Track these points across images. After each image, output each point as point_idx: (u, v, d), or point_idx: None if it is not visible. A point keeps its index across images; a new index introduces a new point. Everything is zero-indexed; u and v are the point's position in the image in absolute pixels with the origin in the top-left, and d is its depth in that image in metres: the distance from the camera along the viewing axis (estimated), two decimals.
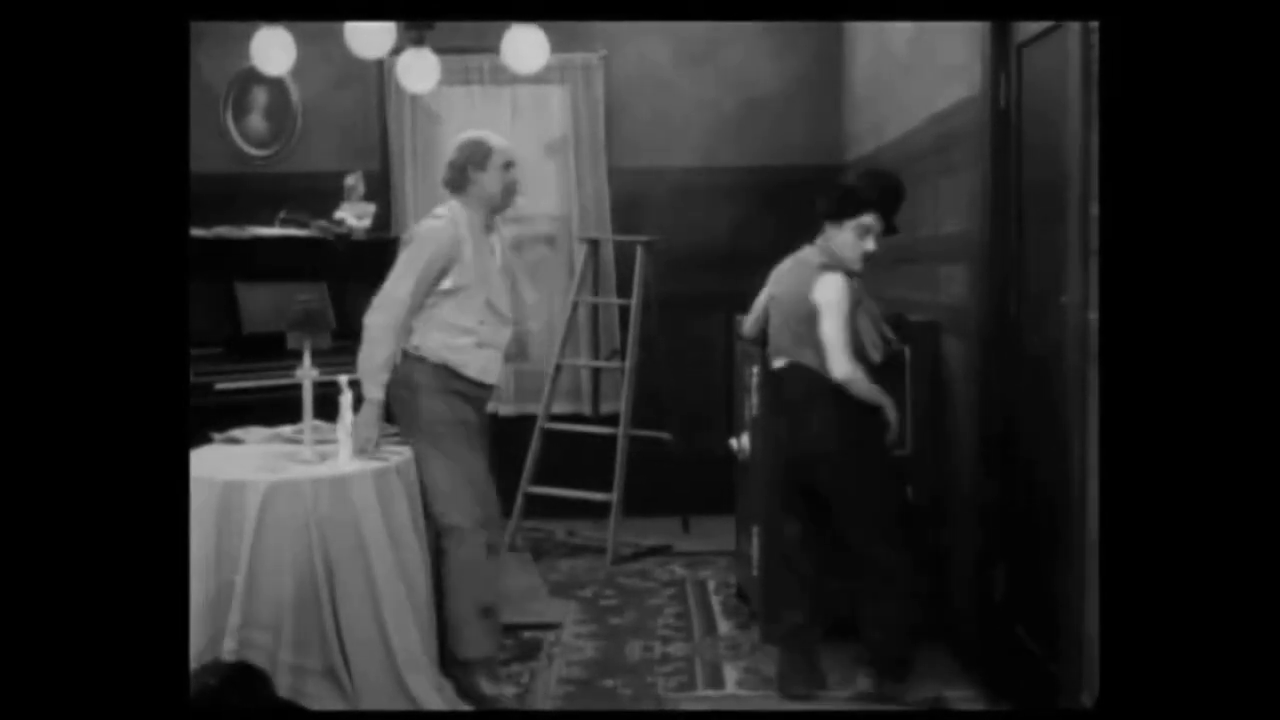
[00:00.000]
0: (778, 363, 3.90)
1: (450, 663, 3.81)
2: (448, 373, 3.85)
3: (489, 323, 3.92)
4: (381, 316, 3.82)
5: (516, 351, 4.23)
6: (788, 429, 3.88)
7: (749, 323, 4.15)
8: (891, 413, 3.79)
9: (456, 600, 3.81)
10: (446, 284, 3.84)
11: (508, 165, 3.98)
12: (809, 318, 3.73)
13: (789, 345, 3.84)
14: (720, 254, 6.19)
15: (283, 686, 3.41)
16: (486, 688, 3.82)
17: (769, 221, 5.86)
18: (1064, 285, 3.10)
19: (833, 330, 3.68)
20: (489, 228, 4.03)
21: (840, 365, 3.67)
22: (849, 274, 3.76)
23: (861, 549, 3.75)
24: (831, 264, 3.77)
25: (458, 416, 3.88)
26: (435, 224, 3.92)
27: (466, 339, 3.89)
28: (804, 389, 3.79)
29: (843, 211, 3.78)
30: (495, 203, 3.99)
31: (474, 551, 3.83)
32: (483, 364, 3.93)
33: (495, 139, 4.01)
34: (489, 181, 3.94)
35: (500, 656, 4.06)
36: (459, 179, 3.97)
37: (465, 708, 3.73)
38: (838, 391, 3.70)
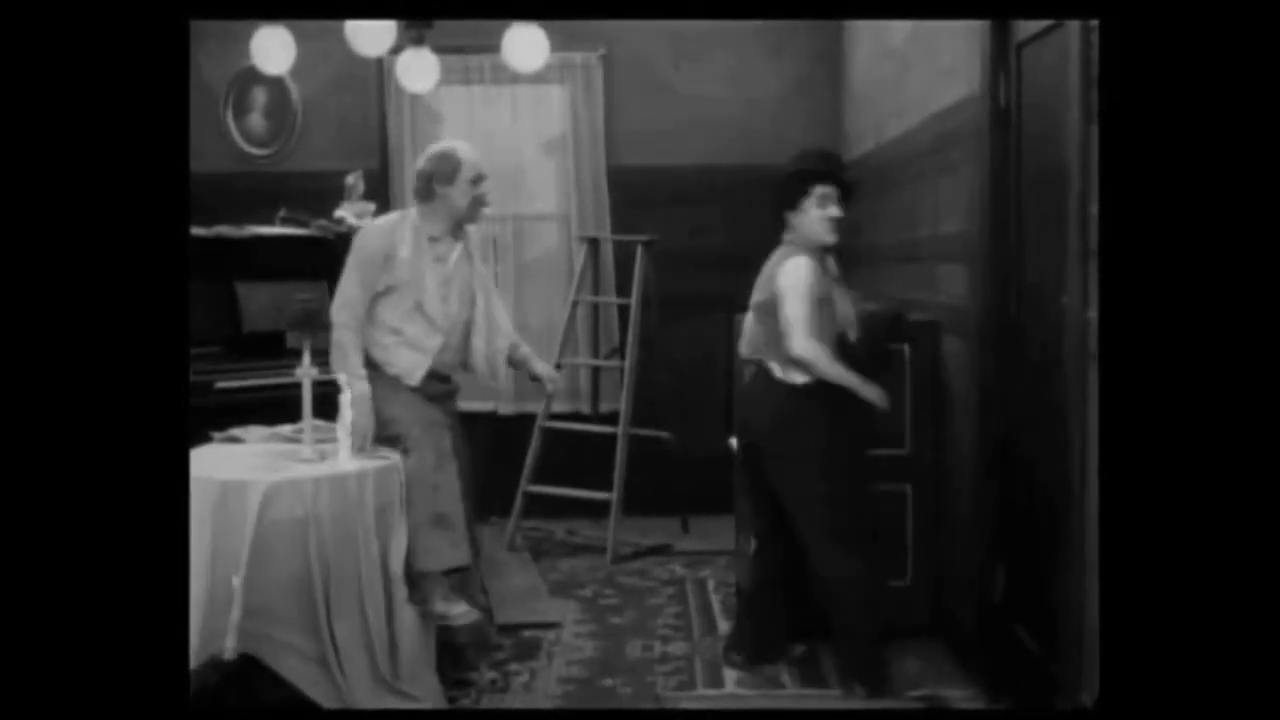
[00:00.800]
0: (749, 362, 3.94)
1: (410, 580, 3.70)
2: (375, 368, 3.90)
3: (416, 325, 3.92)
4: (339, 318, 3.88)
5: (489, 372, 4.13)
6: (743, 423, 3.89)
7: (742, 344, 4.11)
8: (869, 392, 3.73)
9: (410, 510, 3.72)
10: (381, 283, 3.88)
11: (477, 179, 3.96)
12: (773, 307, 3.74)
13: (756, 343, 3.88)
14: (719, 253, 6.18)
15: (282, 667, 3.43)
16: (438, 604, 3.71)
17: (768, 221, 5.81)
18: (1064, 285, 3.10)
19: (793, 309, 3.68)
20: (455, 237, 4.02)
21: (799, 342, 3.65)
22: (824, 250, 3.80)
23: (815, 553, 3.74)
24: (799, 249, 3.78)
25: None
26: (377, 222, 4.06)
27: (392, 338, 3.92)
28: (762, 385, 3.82)
29: (794, 194, 3.82)
30: (461, 216, 3.99)
31: (421, 457, 3.78)
32: (406, 365, 3.93)
33: (465, 152, 3.99)
34: (456, 196, 3.94)
35: (460, 572, 3.84)
36: (425, 190, 3.97)
37: (457, 705, 3.72)
38: (793, 390, 3.71)
